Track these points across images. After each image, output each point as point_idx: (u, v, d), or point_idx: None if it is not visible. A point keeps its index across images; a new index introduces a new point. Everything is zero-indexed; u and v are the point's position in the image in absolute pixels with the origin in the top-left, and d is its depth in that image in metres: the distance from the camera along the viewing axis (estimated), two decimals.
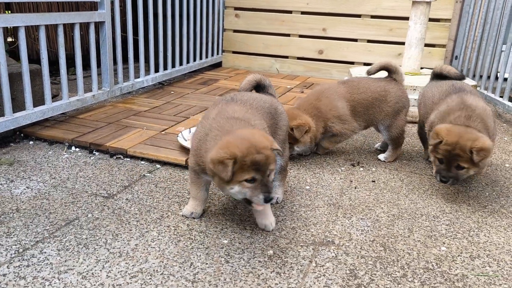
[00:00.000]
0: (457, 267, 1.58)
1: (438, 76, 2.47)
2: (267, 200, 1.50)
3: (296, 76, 4.81)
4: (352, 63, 4.74)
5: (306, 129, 2.33)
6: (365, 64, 4.65)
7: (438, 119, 2.12)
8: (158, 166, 2.34)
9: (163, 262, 1.53)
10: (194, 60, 4.59)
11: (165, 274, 1.47)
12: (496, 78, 3.79)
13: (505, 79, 3.65)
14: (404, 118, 2.53)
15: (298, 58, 4.94)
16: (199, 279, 1.45)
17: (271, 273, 1.50)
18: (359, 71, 3.90)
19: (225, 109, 1.69)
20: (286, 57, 4.99)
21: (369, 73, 2.52)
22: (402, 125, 2.52)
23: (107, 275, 1.45)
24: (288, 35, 4.92)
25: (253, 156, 1.47)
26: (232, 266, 1.53)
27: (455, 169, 1.96)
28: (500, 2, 3.77)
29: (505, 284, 1.50)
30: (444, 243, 1.74)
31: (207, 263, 1.54)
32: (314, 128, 2.38)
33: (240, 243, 1.67)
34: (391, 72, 2.53)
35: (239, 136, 1.51)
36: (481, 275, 1.54)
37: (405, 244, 1.72)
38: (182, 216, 1.83)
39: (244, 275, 1.48)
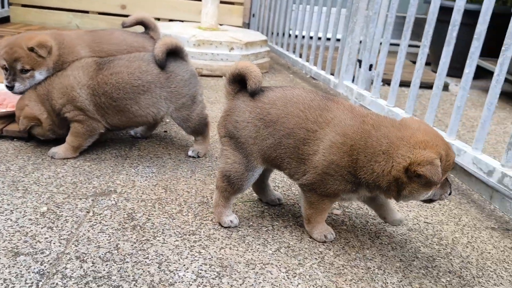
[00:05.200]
0: None
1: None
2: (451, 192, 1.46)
3: None
4: (158, 19, 4.66)
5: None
6: (171, 20, 4.64)
7: None
8: None
9: None
10: None
11: None
12: (284, 34, 4.21)
13: (290, 35, 4.08)
14: None
15: (100, 13, 4.65)
16: None
17: (41, 229, 1.44)
18: (163, 27, 3.87)
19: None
20: (87, 12, 4.64)
21: (124, 25, 2.25)
22: None
23: None
24: None
25: (452, 154, 1.37)
26: None
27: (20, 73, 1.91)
28: None
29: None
30: None
31: None
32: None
33: (9, 205, 1.55)
34: (149, 28, 2.31)
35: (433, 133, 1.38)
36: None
37: (186, 184, 1.83)
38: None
39: (9, 235, 1.39)
